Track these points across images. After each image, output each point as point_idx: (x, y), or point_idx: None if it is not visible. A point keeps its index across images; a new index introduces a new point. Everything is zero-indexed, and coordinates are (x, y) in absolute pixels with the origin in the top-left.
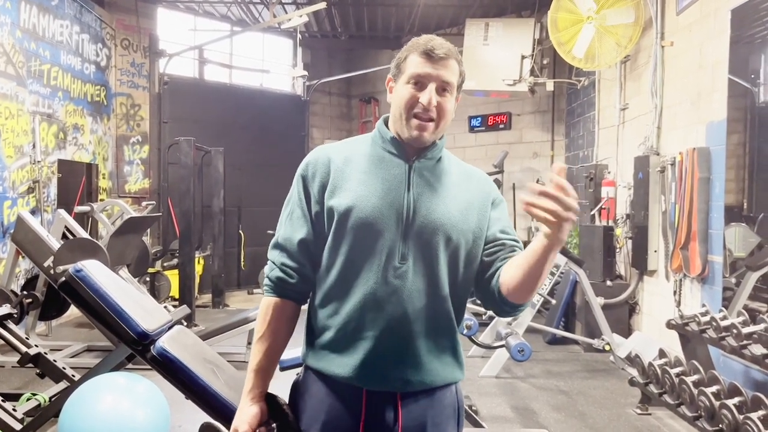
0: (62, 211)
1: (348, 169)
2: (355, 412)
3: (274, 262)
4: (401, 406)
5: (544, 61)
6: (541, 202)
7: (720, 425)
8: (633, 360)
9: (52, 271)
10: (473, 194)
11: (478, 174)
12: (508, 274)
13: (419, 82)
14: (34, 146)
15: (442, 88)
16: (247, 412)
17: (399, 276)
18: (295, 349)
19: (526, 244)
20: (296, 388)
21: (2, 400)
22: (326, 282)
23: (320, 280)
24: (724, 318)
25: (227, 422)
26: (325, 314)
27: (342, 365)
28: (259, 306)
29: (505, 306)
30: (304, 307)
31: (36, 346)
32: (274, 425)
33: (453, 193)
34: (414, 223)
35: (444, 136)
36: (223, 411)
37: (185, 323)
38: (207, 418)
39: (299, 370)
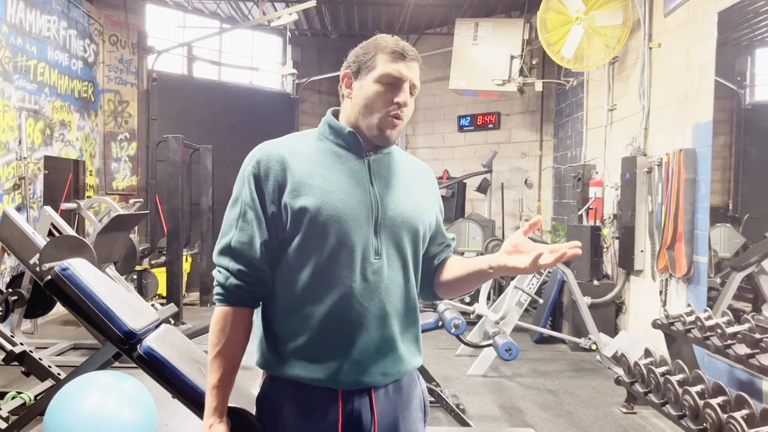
0: (48, 208)
1: (306, 165)
2: (332, 417)
3: (228, 269)
4: (375, 402)
5: (533, 62)
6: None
7: (704, 424)
8: (619, 359)
9: (37, 269)
10: (425, 185)
11: (423, 165)
12: (445, 277)
13: (393, 82)
14: (20, 142)
15: (411, 89)
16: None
17: (375, 272)
18: None
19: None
20: (263, 402)
21: None
22: (296, 285)
23: (286, 284)
24: (709, 318)
25: None
26: (297, 318)
27: (320, 368)
28: None
29: (435, 298)
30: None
31: (21, 344)
32: None
33: (410, 186)
34: (384, 217)
35: None
36: None
37: (173, 321)
38: (193, 418)
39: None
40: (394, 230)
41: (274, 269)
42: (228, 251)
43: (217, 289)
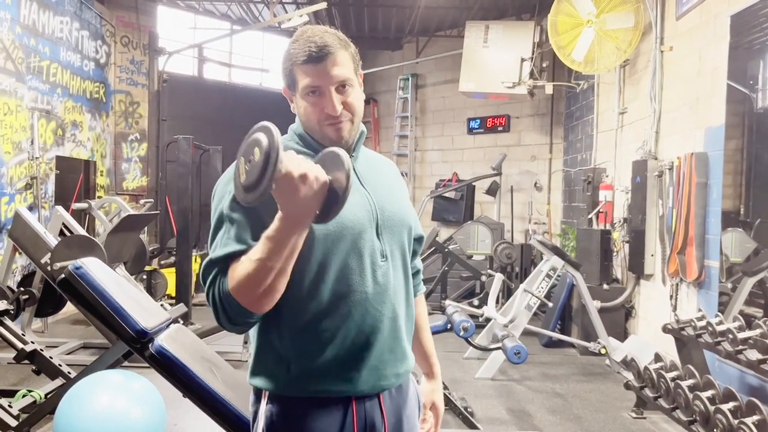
0: (60, 208)
1: None
2: (348, 425)
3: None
4: (383, 404)
5: (544, 64)
6: None
7: (715, 430)
8: (629, 364)
9: (49, 268)
10: (399, 181)
11: (392, 162)
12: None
13: (317, 93)
14: (32, 142)
15: (342, 86)
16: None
17: (384, 274)
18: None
19: (523, 246)
20: (274, 427)
21: None
22: (313, 300)
23: (302, 300)
24: (720, 323)
25: (225, 421)
26: (312, 335)
27: (338, 380)
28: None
29: None
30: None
31: (32, 342)
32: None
33: (392, 184)
34: (383, 218)
35: (363, 128)
36: (220, 410)
37: (182, 322)
38: (204, 417)
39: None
40: (394, 230)
41: None
42: (214, 263)
43: (206, 279)
